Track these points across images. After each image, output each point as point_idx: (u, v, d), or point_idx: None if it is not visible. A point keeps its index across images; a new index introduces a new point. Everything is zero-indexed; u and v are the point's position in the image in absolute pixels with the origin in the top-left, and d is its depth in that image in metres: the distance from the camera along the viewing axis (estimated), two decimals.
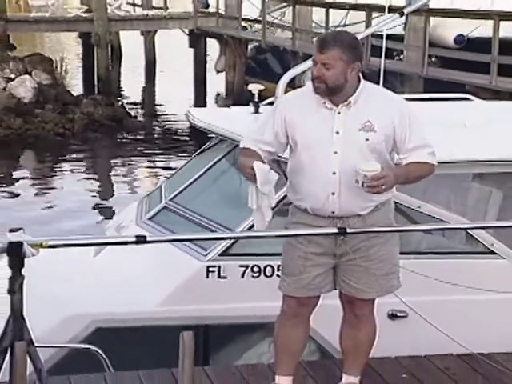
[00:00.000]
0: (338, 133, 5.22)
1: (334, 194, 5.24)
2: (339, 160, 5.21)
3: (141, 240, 5.38)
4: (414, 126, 5.32)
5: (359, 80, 5.28)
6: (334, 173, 5.21)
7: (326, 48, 5.15)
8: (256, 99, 7.53)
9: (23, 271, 4.75)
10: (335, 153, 5.21)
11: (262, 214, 5.30)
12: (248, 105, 7.66)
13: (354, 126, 5.22)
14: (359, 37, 9.64)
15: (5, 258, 4.73)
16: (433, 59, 19.36)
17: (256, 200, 5.24)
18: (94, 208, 17.49)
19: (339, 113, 5.24)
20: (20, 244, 4.70)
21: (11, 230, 4.77)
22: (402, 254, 6.58)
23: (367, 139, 5.20)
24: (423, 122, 5.50)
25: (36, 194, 18.66)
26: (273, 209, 5.35)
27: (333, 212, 5.30)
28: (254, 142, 5.36)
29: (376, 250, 5.41)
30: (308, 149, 5.23)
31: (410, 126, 5.30)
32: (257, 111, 7.35)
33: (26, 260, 4.73)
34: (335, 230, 5.32)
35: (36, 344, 4.90)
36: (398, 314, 6.67)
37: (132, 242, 5.53)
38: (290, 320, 5.52)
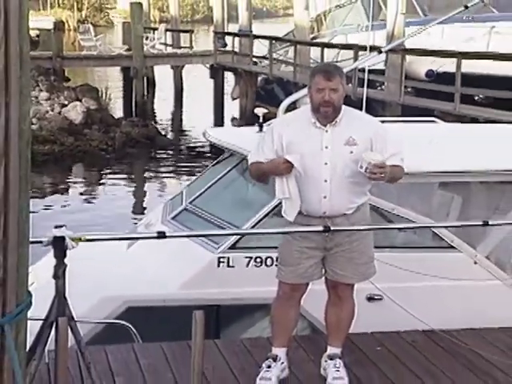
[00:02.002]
0: (327, 147, 5.25)
1: (325, 197, 5.28)
2: (329, 170, 5.25)
3: (161, 236, 5.38)
4: (388, 139, 5.39)
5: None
6: (326, 180, 5.25)
7: (332, 76, 5.22)
8: (261, 121, 7.53)
9: (66, 260, 4.75)
10: (325, 164, 5.24)
11: (293, 201, 5.31)
12: (254, 125, 7.66)
13: (340, 142, 5.25)
14: (346, 70, 9.68)
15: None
16: (408, 89, 19.35)
17: (288, 190, 5.26)
18: (129, 209, 17.56)
19: (327, 131, 5.27)
20: (63, 238, 4.69)
21: (56, 227, 4.77)
22: (379, 248, 6.62)
23: (351, 152, 5.24)
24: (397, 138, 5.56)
25: (83, 198, 18.75)
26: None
27: (324, 212, 5.33)
28: (260, 158, 5.37)
29: (357, 243, 5.45)
30: (302, 161, 5.23)
31: (384, 140, 5.36)
32: (261, 130, 7.34)
33: (67, 251, 4.73)
34: (321, 228, 5.33)
35: (76, 319, 4.90)
36: (375, 297, 6.65)
37: (154, 237, 5.54)
38: (285, 303, 5.53)
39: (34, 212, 3.86)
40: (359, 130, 5.32)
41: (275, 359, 5.54)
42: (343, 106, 5.34)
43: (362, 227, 5.56)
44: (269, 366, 5.52)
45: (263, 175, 5.50)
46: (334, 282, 5.53)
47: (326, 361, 5.62)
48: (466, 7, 8.47)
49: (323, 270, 5.52)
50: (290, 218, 5.37)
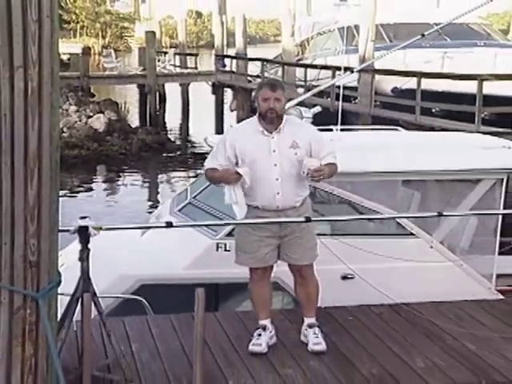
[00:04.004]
0: (274, 151, 5.27)
1: (278, 193, 5.29)
2: (279, 170, 5.27)
3: (169, 225, 5.37)
4: (322, 142, 5.42)
5: None
6: (277, 179, 5.27)
7: (276, 88, 5.26)
8: None
9: (89, 246, 4.75)
10: (275, 165, 5.26)
11: (241, 206, 5.32)
12: None
13: (285, 146, 5.27)
14: (325, 86, 9.66)
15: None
16: (377, 103, 19.34)
17: (235, 196, 5.27)
18: (143, 203, 17.55)
19: (273, 137, 5.29)
20: (86, 227, 4.69)
21: (81, 218, 4.78)
22: (352, 235, 6.63)
23: (296, 153, 5.27)
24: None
25: (105, 194, 18.77)
26: None
27: (278, 206, 5.34)
28: (214, 164, 5.37)
29: (305, 231, 5.44)
30: (254, 164, 5.25)
31: (320, 142, 5.39)
32: None
33: (91, 238, 4.73)
34: (303, 219, 5.34)
35: (98, 295, 4.90)
36: (348, 276, 6.65)
37: (163, 227, 5.53)
38: (258, 282, 5.54)
39: (63, 205, 3.86)
40: (300, 135, 5.33)
41: (264, 329, 5.54)
42: (285, 116, 5.37)
43: (340, 218, 5.61)
44: (259, 335, 5.52)
45: (216, 181, 5.49)
46: (293, 265, 5.53)
47: (306, 329, 5.61)
48: (423, 35, 8.49)
49: (278, 256, 5.51)
50: (239, 217, 5.38)
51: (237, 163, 5.32)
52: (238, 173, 5.18)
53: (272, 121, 5.26)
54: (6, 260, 3.51)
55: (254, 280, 5.55)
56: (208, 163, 5.44)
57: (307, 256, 5.49)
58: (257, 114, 5.36)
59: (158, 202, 16.96)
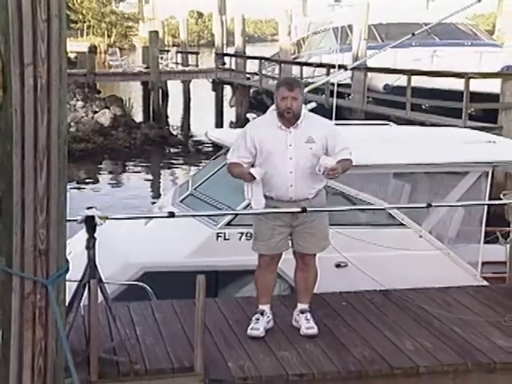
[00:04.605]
0: (291, 145, 5.27)
1: (291, 185, 5.30)
2: (294, 163, 5.26)
3: (171, 215, 5.38)
4: (337, 137, 5.40)
5: None
6: (291, 172, 5.28)
7: (294, 87, 5.22)
8: None
9: (95, 235, 4.76)
10: (290, 159, 5.26)
11: (256, 201, 5.36)
12: None
13: (301, 140, 5.26)
14: (320, 83, 9.66)
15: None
16: (370, 99, 19.34)
17: (251, 193, 5.29)
18: (146, 194, 17.54)
19: (290, 132, 5.29)
20: (93, 217, 4.71)
21: (87, 208, 4.79)
22: (346, 225, 6.63)
23: (311, 148, 5.26)
24: (345, 136, 5.57)
25: (111, 186, 18.75)
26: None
27: (291, 198, 5.35)
28: (236, 158, 5.37)
29: (316, 222, 5.46)
30: (271, 157, 5.27)
31: (335, 137, 5.37)
32: None
33: (97, 227, 4.74)
34: (299, 210, 5.34)
35: (104, 281, 4.91)
36: (342, 264, 6.66)
37: (166, 217, 5.54)
38: (265, 269, 5.56)
39: (70, 196, 3.87)
40: (316, 130, 5.32)
41: (262, 313, 5.57)
42: (303, 111, 5.36)
43: (332, 208, 5.71)
44: (257, 319, 5.54)
45: (234, 177, 5.50)
46: (300, 253, 5.55)
47: (298, 314, 5.64)
48: (413, 34, 8.49)
49: (290, 244, 5.53)
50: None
51: (256, 155, 5.32)
52: (251, 173, 5.22)
53: (289, 120, 5.26)
54: (16, 248, 3.52)
55: (261, 266, 5.57)
56: (230, 157, 5.45)
57: (318, 246, 5.52)
58: (275, 109, 5.33)
59: (161, 193, 16.97)
